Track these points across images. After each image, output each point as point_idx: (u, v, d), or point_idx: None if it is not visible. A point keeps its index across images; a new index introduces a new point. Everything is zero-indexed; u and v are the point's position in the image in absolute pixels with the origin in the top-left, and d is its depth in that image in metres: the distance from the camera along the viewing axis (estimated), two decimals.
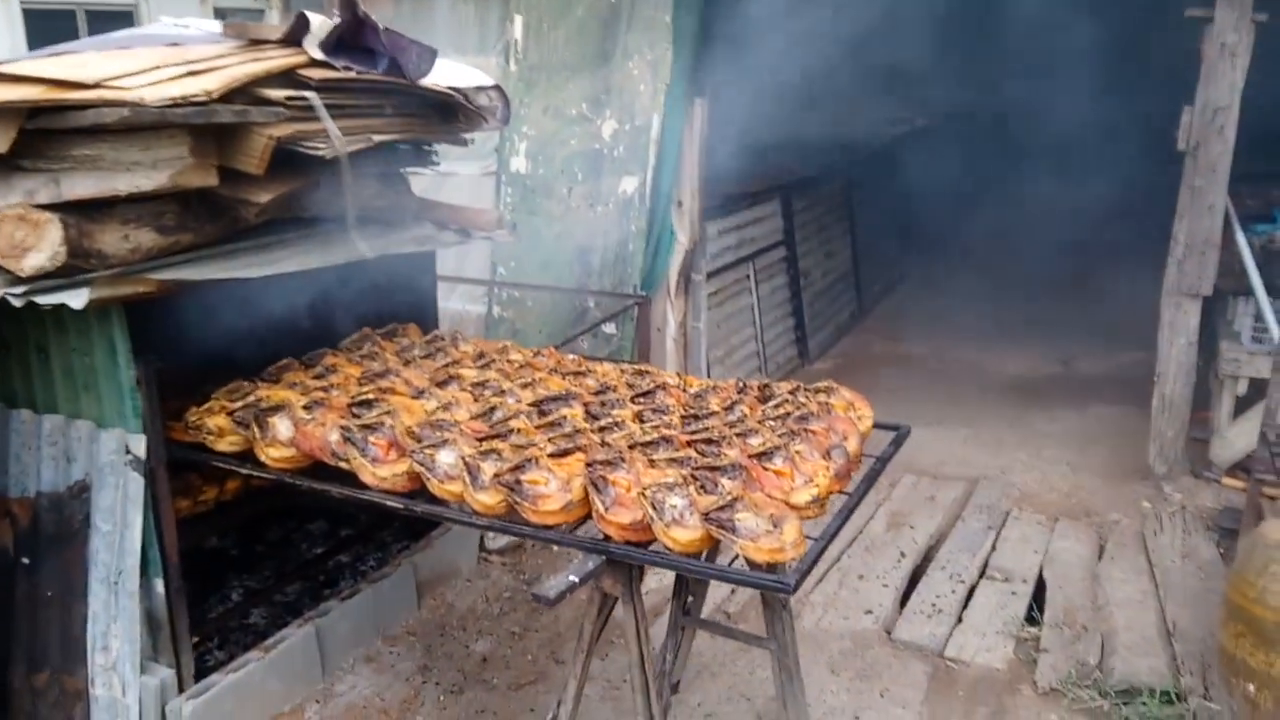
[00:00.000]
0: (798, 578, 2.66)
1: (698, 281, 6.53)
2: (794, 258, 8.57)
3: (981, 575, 5.11)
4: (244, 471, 3.38)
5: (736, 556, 2.80)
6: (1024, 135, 13.73)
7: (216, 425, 3.45)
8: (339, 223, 4.17)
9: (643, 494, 2.84)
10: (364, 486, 3.18)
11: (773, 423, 3.44)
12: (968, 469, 6.39)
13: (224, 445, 3.43)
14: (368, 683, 4.07)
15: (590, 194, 6.32)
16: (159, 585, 3.49)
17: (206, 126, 3.33)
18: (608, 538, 2.87)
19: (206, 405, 3.57)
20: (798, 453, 3.16)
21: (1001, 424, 7.18)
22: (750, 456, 3.12)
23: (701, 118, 6.16)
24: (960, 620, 4.69)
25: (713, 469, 3.00)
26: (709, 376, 6.76)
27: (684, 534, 2.79)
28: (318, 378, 3.85)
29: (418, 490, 3.18)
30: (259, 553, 4.67)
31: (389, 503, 3.14)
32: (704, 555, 2.90)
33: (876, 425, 3.69)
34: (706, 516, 2.77)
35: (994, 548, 5.37)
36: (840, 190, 9.97)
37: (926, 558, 5.37)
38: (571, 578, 2.75)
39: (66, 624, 3.49)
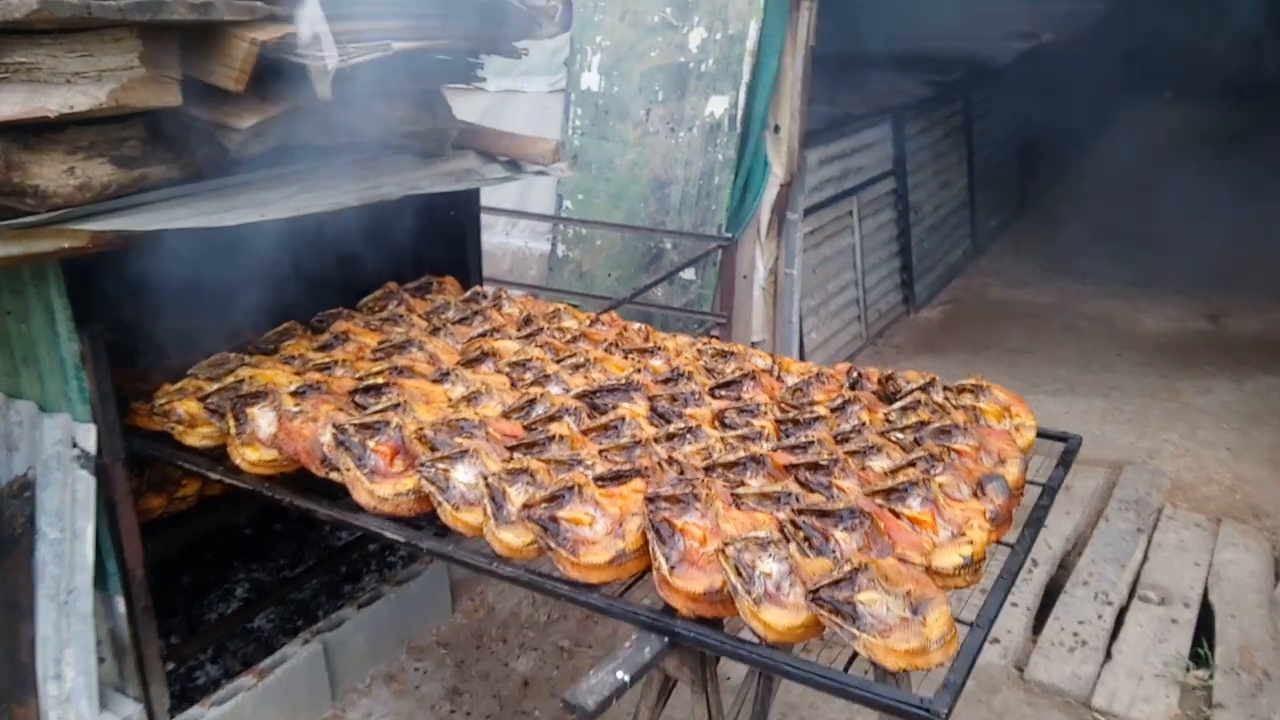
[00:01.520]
0: (950, 702, 1.82)
1: (793, 221, 5.60)
2: (904, 190, 7.53)
3: (1132, 594, 4.21)
4: (213, 476, 2.65)
5: (853, 656, 1.97)
6: (1165, 55, 12.27)
7: (187, 412, 2.73)
8: (355, 154, 3.38)
9: (723, 551, 2.02)
10: (359, 507, 2.42)
11: (900, 435, 2.58)
12: (1108, 451, 5.42)
13: (194, 438, 2.71)
14: (385, 710, 3.40)
15: (671, 116, 5.40)
16: (120, 604, 2.82)
17: (161, 26, 2.54)
18: (672, 609, 2.07)
19: (180, 384, 2.84)
20: (941, 487, 2.30)
21: (1145, 394, 6.15)
22: (875, 494, 2.27)
23: (807, 24, 5.15)
24: (1109, 656, 3.82)
25: (822, 514, 2.16)
26: (801, 330, 5.86)
27: (780, 617, 1.97)
28: (323, 349, 3.10)
29: (427, 514, 2.41)
30: (275, 533, 4.01)
31: (388, 533, 2.38)
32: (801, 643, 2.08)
33: (1039, 434, 2.79)
34: (815, 596, 1.95)
35: (1146, 557, 4.45)
36: (959, 113, 8.80)
37: (1062, 566, 4.48)
38: (620, 675, 1.96)
39: (12, 647, 2.85)
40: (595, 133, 5.56)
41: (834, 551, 2.11)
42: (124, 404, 2.84)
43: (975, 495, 2.38)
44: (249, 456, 2.58)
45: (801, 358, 5.84)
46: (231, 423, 2.62)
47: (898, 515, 2.22)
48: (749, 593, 1.98)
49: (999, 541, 2.34)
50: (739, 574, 2.00)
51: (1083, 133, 12.27)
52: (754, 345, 5.43)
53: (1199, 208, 9.78)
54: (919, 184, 7.83)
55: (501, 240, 6.05)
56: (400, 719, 3.36)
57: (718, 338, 5.05)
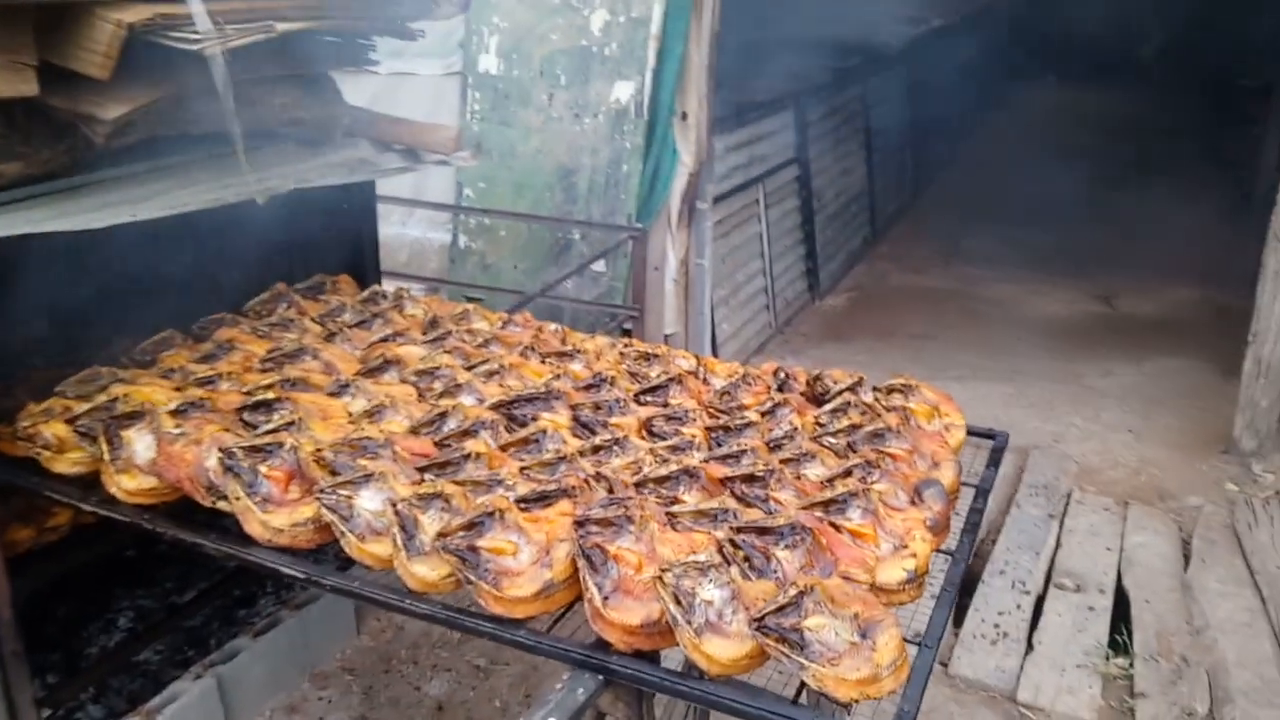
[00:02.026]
0: None
1: (703, 210, 5.47)
2: (807, 177, 7.49)
3: (1048, 582, 4.23)
4: (85, 508, 2.37)
5: (801, 686, 1.84)
6: (1053, 38, 12.58)
7: (55, 435, 2.43)
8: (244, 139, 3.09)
9: (660, 579, 1.87)
10: (252, 539, 2.18)
11: (833, 439, 2.46)
12: (1015, 437, 5.34)
13: (64, 465, 2.41)
14: None
15: (575, 102, 5.20)
16: None
17: (14, 6, 2.26)
18: (606, 643, 1.91)
19: (45, 404, 2.54)
20: (880, 496, 2.19)
21: (1048, 379, 6.25)
22: (814, 506, 2.15)
23: (712, 9, 5.02)
24: (1031, 647, 3.82)
25: (762, 531, 2.03)
26: (713, 321, 5.75)
27: (724, 648, 1.82)
28: (206, 359, 2.82)
29: (328, 544, 2.19)
30: (161, 555, 3.68)
31: (285, 569, 2.15)
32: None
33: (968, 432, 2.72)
34: (760, 624, 1.80)
35: (1059, 544, 4.49)
36: (857, 99, 8.82)
37: (978, 555, 4.47)
38: None
39: None
40: (495, 118, 5.33)
41: (776, 572, 1.97)
42: None
43: (913, 502, 2.28)
44: (126, 485, 2.31)
45: (714, 350, 5.73)
46: (104, 447, 2.34)
47: (838, 529, 2.11)
48: (690, 623, 1.83)
49: (938, 550, 2.25)
50: (678, 603, 1.85)
51: (972, 117, 12.51)
52: (667, 338, 5.31)
53: (1085, 190, 10.06)
54: (821, 170, 7.81)
55: (398, 231, 5.76)
56: None
57: (630, 331, 4.91)
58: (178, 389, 2.60)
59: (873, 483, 2.24)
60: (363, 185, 3.62)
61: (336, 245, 3.58)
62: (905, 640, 1.90)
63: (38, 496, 2.50)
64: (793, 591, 1.83)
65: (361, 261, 3.61)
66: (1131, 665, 3.70)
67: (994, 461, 2.69)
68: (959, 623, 3.97)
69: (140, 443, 2.34)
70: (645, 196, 5.09)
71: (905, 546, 2.11)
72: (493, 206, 5.29)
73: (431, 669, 3.53)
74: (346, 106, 3.45)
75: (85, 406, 2.44)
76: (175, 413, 2.41)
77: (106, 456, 2.33)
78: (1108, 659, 3.75)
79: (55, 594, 3.22)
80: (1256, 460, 5.05)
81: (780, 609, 1.82)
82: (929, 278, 8.30)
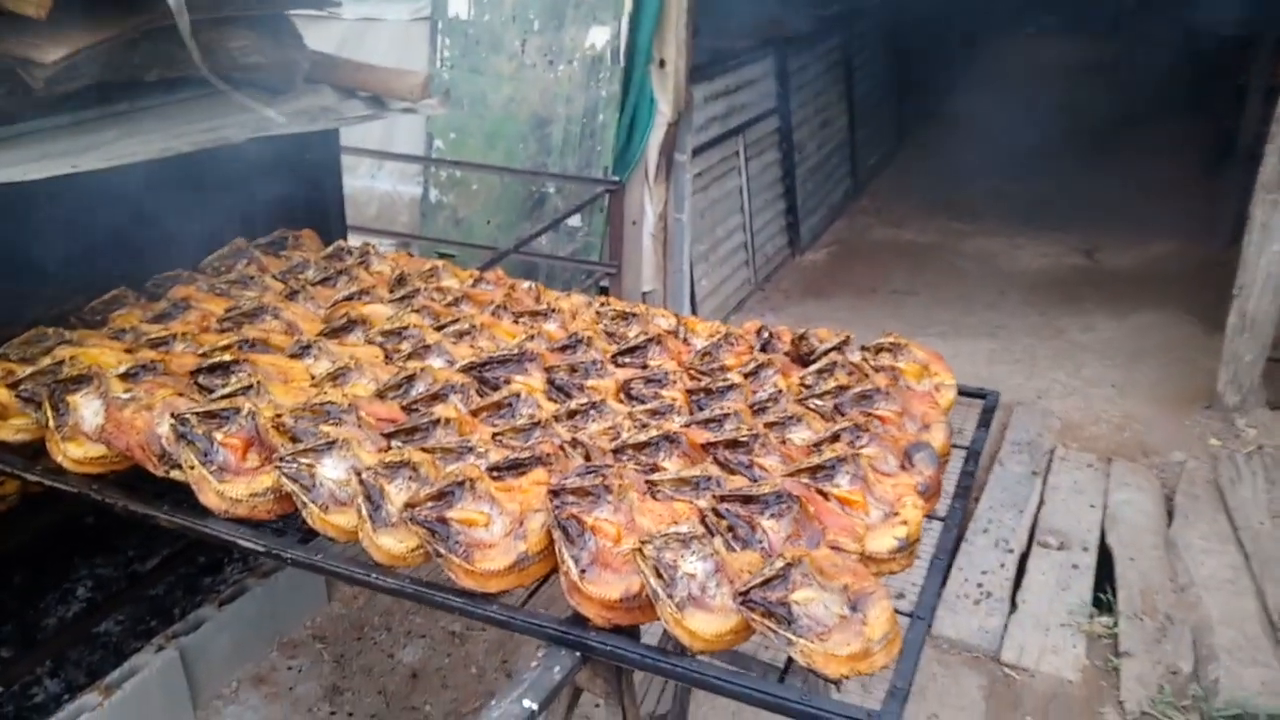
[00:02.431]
0: (898, 712, 1.63)
1: (681, 162, 5.32)
2: (788, 128, 7.34)
3: (1031, 540, 4.18)
4: (30, 478, 2.23)
5: (788, 662, 1.75)
6: None
7: None
8: (191, 91, 2.93)
9: (640, 551, 1.77)
10: (208, 510, 2.06)
11: (819, 402, 2.36)
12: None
13: (6, 432, 2.28)
14: (255, 716, 3.07)
15: (549, 48, 5.02)
16: None
17: None
18: (583, 618, 1.81)
19: None
20: (869, 461, 2.10)
21: (1029, 333, 6.19)
22: (800, 472, 2.05)
23: None
24: (1015, 607, 3.78)
25: (747, 500, 1.93)
26: (692, 278, 5.62)
27: (708, 623, 1.73)
28: (160, 319, 2.68)
29: (290, 515, 2.07)
30: (122, 521, 3.55)
31: (244, 541, 2.04)
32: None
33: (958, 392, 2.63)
34: (745, 598, 1.71)
35: (1042, 501, 4.44)
36: (838, 47, 8.64)
37: (956, 496, 4.40)
38: (528, 704, 1.69)
39: None
40: (466, 65, 5.14)
41: (761, 543, 1.88)
42: None
43: (903, 467, 2.19)
44: (72, 454, 2.18)
45: (693, 308, 5.62)
46: (49, 414, 2.20)
47: (826, 496, 2.01)
48: (671, 597, 1.73)
49: (929, 516, 2.16)
50: (659, 576, 1.75)
51: (953, 67, 12.33)
52: (645, 296, 5.18)
53: (1067, 142, 9.95)
54: (802, 121, 7.65)
55: (366, 183, 5.59)
56: None
57: (607, 289, 4.78)
58: (129, 351, 2.46)
59: (861, 447, 2.15)
60: (326, 135, 3.45)
61: (300, 197, 3.42)
62: (897, 612, 1.82)
63: None
64: (779, 564, 1.73)
65: (326, 216, 3.45)
66: (1115, 624, 3.66)
67: (984, 422, 2.60)
68: (942, 583, 3.91)
69: (88, 408, 2.21)
70: (622, 148, 4.94)
71: (896, 513, 2.02)
72: (464, 158, 5.12)
73: (405, 635, 3.44)
74: (307, 51, 3.27)
75: (29, 370, 2.30)
76: (125, 376, 2.28)
77: (51, 424, 2.19)
78: (1091, 618, 3.71)
79: (9, 563, 3.10)
80: (1240, 415, 5.01)
81: (766, 582, 1.72)
82: (911, 232, 8.19)
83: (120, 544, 3.44)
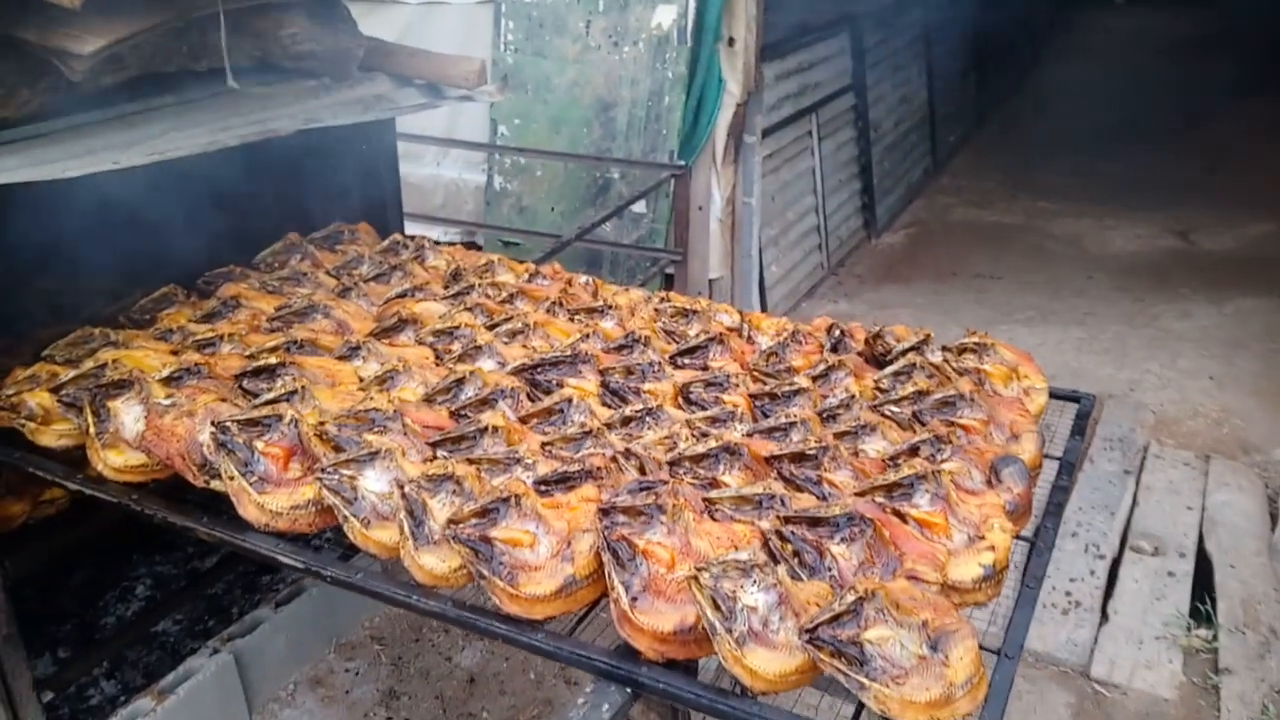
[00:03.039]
0: None
1: (751, 144, 5.13)
2: (864, 106, 7.07)
3: (1124, 545, 3.92)
4: (70, 486, 2.18)
5: (860, 707, 1.59)
6: None
7: (39, 405, 2.24)
8: (240, 82, 2.84)
9: (696, 579, 1.62)
10: (247, 523, 1.98)
11: (896, 409, 2.18)
12: (1087, 384, 5.05)
13: (49, 438, 2.23)
14: None
15: (614, 28, 4.86)
16: None
17: None
18: (635, 651, 1.67)
19: (32, 370, 2.35)
20: (951, 477, 1.92)
21: (1121, 321, 5.86)
22: (874, 490, 1.88)
23: None
24: (1105, 617, 3.54)
25: (814, 522, 1.77)
26: (761, 264, 5.43)
27: (770, 661, 1.58)
28: (208, 318, 2.61)
29: (331, 528, 1.98)
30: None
31: (283, 558, 1.94)
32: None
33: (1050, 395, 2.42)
34: (812, 635, 1.55)
35: (1135, 502, 4.17)
36: (917, 22, 8.30)
37: (1047, 513, 4.16)
38: None
39: None
40: (530, 49, 5.01)
41: (831, 571, 1.72)
42: None
43: (989, 483, 2.01)
44: (113, 461, 2.11)
45: (762, 294, 5.43)
46: (90, 420, 2.14)
47: (903, 518, 1.84)
48: (730, 631, 1.58)
49: (1017, 537, 1.97)
50: (717, 607, 1.60)
51: (1038, 42, 11.85)
52: (711, 283, 5.02)
53: (1160, 118, 9.47)
54: (879, 99, 7.37)
55: (432, 172, 5.51)
56: None
57: (672, 277, 4.63)
58: (174, 353, 2.39)
59: (943, 461, 1.97)
60: (383, 124, 3.36)
61: (355, 190, 3.33)
62: (982, 649, 1.64)
63: (18, 474, 2.31)
64: (850, 598, 1.57)
65: (383, 207, 3.36)
66: (1215, 637, 3.41)
67: (1079, 429, 2.39)
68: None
69: (128, 415, 2.14)
70: (689, 131, 4.76)
71: (981, 537, 1.84)
72: (528, 144, 5.01)
73: (463, 638, 3.36)
74: (362, 38, 3.17)
75: (71, 374, 2.24)
76: (168, 380, 2.20)
77: (92, 430, 2.13)
78: (1189, 630, 3.46)
79: (70, 560, 3.09)
80: None
81: (836, 618, 1.57)
82: (994, 212, 7.86)
83: (180, 541, 3.41)
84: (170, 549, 3.36)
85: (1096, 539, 3.92)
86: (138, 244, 2.79)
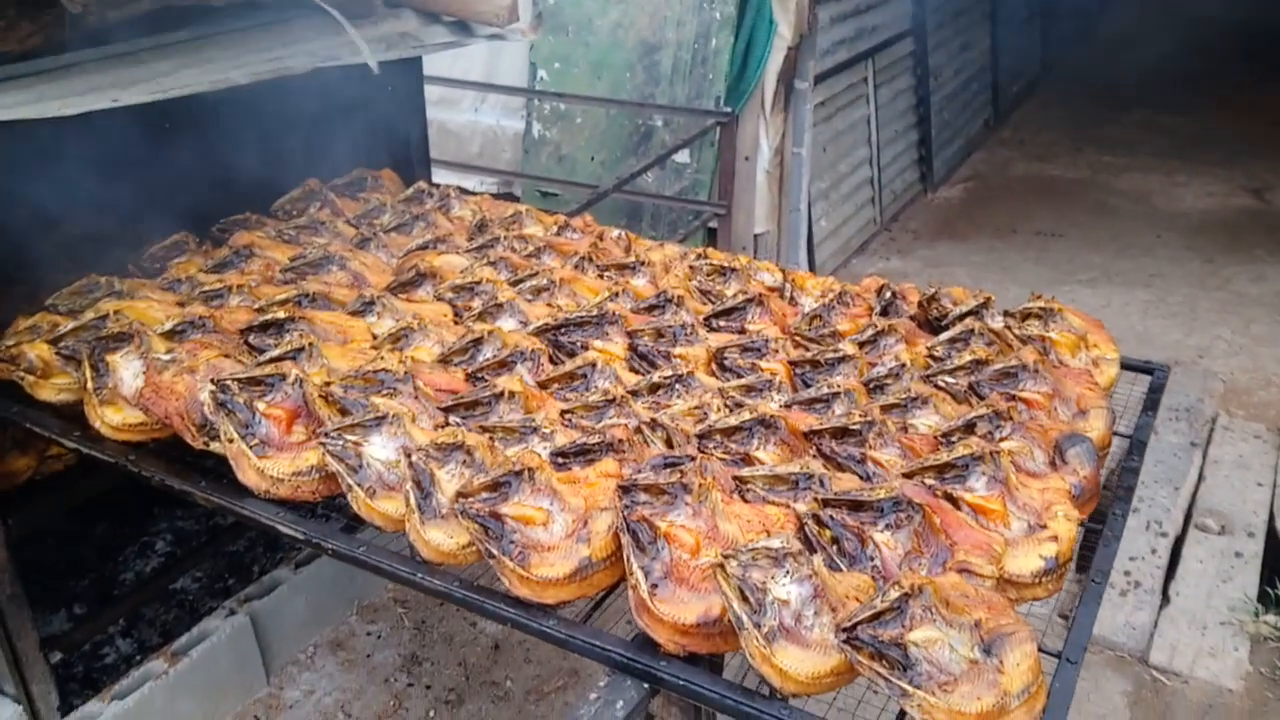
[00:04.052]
0: None
1: (802, 90, 4.87)
2: (923, 52, 6.73)
3: (1188, 522, 3.70)
4: (67, 444, 2.07)
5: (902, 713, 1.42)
6: None
7: (39, 358, 2.13)
8: (257, 17, 2.69)
9: (722, 567, 1.46)
10: (247, 489, 1.85)
11: (950, 379, 1.99)
12: (1153, 350, 4.84)
13: (48, 392, 2.12)
14: (331, 684, 2.93)
15: None
16: None
17: None
18: (654, 643, 1.52)
19: (33, 319, 2.24)
20: (1011, 457, 1.73)
21: (1190, 283, 5.55)
22: (925, 472, 1.70)
23: None
24: (1167, 599, 3.33)
25: (856, 506, 1.60)
26: (810, 217, 5.19)
27: (802, 660, 1.42)
28: (219, 267, 2.48)
29: (336, 496, 1.85)
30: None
31: (283, 527, 1.82)
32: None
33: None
34: (851, 635, 1.39)
35: (1201, 477, 3.94)
36: None
37: (1104, 487, 3.94)
38: None
39: None
40: None
41: (873, 561, 1.55)
42: None
43: (1053, 464, 1.82)
44: (110, 419, 2.00)
45: (810, 250, 5.20)
46: (88, 374, 2.02)
47: (956, 503, 1.66)
48: (758, 626, 1.43)
49: (1082, 523, 1.78)
50: (744, 599, 1.45)
51: None
52: (757, 238, 4.80)
53: (1235, 70, 8.99)
54: (939, 44, 7.03)
55: (470, 118, 5.33)
56: (348, 697, 2.89)
57: (715, 231, 4.43)
58: (180, 304, 2.27)
59: (1002, 440, 1.78)
60: (409, 64, 3.18)
61: (380, 134, 3.17)
62: (1041, 652, 1.47)
63: (16, 429, 2.21)
64: (895, 594, 1.41)
65: (408, 153, 3.20)
66: None
67: (1151, 404, 2.18)
68: (1082, 568, 3.49)
69: (127, 370, 2.02)
70: (736, 76, 4.53)
71: (1043, 526, 1.66)
72: (568, 89, 4.80)
73: None
74: None
75: (71, 325, 2.12)
76: (170, 334, 2.09)
77: (90, 385, 2.02)
78: (1257, 615, 3.24)
79: (91, 513, 3.02)
80: None
81: (877, 615, 1.40)
82: (1057, 166, 7.50)
83: None
84: (192, 504, 3.28)
85: (1159, 515, 3.70)
86: (156, 189, 2.67)
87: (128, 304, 2.20)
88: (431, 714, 2.86)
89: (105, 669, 2.73)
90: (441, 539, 1.67)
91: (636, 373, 2.03)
